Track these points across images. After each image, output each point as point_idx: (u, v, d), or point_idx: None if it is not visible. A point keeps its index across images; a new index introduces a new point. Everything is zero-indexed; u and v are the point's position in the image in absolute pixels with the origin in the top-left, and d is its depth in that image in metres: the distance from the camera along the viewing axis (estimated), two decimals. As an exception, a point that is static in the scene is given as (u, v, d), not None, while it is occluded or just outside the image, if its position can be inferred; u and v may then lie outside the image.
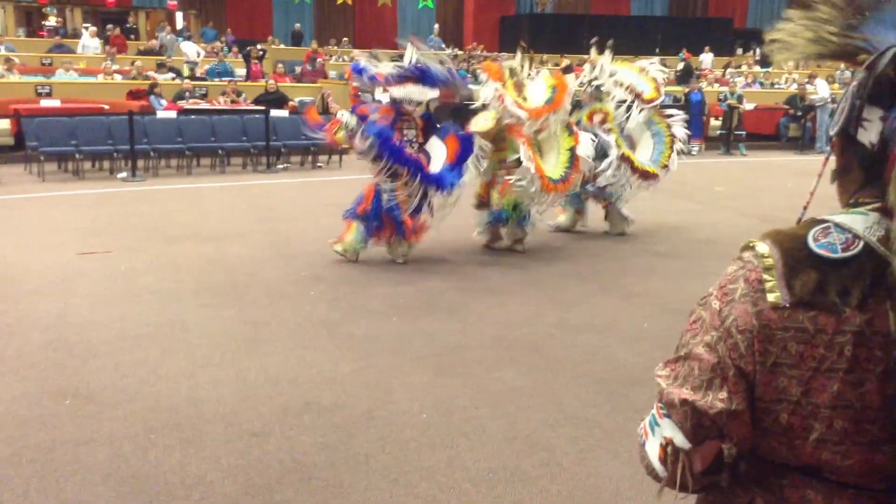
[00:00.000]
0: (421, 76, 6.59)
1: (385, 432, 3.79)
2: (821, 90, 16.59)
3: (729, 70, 22.18)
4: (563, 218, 8.35)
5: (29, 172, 11.43)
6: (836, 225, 1.16)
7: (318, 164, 12.95)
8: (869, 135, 1.16)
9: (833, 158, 1.26)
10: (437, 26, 25.57)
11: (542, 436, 3.79)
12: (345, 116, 6.58)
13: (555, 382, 4.42)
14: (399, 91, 6.59)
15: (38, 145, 11.09)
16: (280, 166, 12.65)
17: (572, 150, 7.22)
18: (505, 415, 4.00)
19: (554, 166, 7.14)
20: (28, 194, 9.89)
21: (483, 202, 7.43)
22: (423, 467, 3.48)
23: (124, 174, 11.34)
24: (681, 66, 22.01)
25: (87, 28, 20.28)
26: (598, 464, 3.54)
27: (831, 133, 1.24)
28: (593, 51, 8.68)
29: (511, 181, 6.91)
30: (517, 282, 6.42)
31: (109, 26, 21.02)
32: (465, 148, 6.82)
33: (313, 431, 3.78)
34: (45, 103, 12.65)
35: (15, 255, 6.88)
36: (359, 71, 6.68)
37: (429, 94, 6.66)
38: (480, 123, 6.89)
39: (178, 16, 25.34)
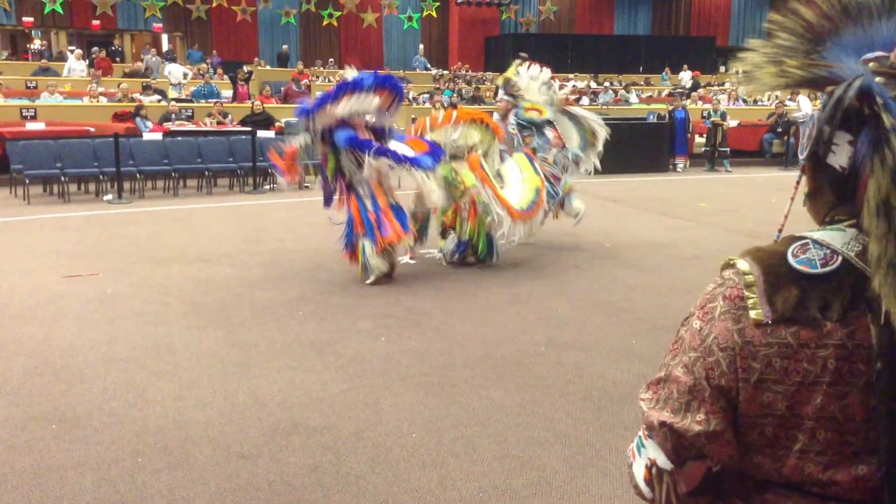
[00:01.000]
0: (355, 86, 6.57)
1: (374, 453, 3.78)
2: (804, 106, 16.78)
3: (711, 88, 22.41)
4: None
5: (14, 195, 11.38)
6: (815, 241, 1.18)
7: (305, 185, 12.91)
8: (839, 158, 1.18)
9: (804, 181, 1.28)
10: (421, 46, 25.76)
11: (532, 454, 3.79)
12: (298, 139, 6.67)
13: (543, 400, 4.43)
14: (343, 107, 6.54)
15: (22, 168, 11.05)
16: (267, 187, 12.65)
17: (538, 189, 7.49)
18: (494, 433, 4.00)
19: (520, 197, 7.33)
20: (13, 217, 9.84)
21: (446, 230, 7.55)
22: (413, 487, 3.47)
23: (110, 196, 11.31)
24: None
25: (72, 51, 20.28)
26: (588, 482, 3.54)
27: (801, 157, 1.26)
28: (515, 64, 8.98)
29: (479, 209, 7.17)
30: (503, 300, 6.43)
31: (95, 49, 21.05)
32: (432, 146, 7.02)
33: (302, 453, 3.76)
34: (31, 126, 12.61)
35: (-1, 278, 6.83)
36: (303, 112, 6.68)
37: (371, 99, 6.62)
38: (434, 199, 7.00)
39: (164, 38, 25.40)
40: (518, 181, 7.51)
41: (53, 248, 8.00)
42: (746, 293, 1.17)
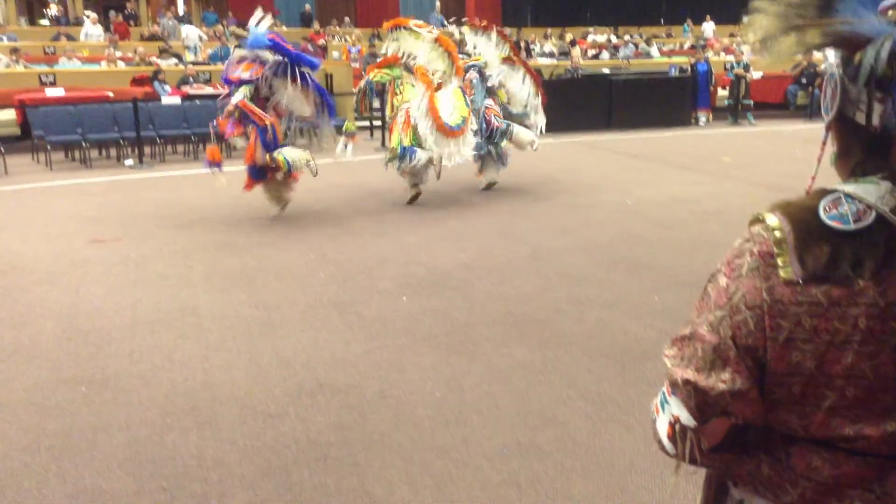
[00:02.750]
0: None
1: (398, 411, 3.82)
2: (830, 57, 16.39)
3: (735, 39, 21.95)
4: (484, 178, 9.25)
5: (36, 162, 11.46)
6: (847, 195, 1.14)
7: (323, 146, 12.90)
8: (870, 118, 1.14)
9: (831, 139, 1.24)
10: (438, 3, 25.39)
11: (555, 411, 3.81)
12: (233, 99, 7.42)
13: (565, 357, 4.44)
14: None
15: (44, 134, 11.11)
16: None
17: (465, 118, 8.01)
18: (517, 391, 4.02)
19: (449, 115, 7.87)
20: (36, 184, 9.92)
21: (392, 154, 8.24)
22: (437, 445, 3.51)
23: (131, 161, 11.36)
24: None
25: (88, 16, 20.22)
26: (611, 438, 3.56)
27: (827, 117, 1.22)
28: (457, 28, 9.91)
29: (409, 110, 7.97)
30: (523, 258, 6.42)
31: (112, 13, 20.97)
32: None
33: (327, 412, 3.81)
34: (50, 92, 12.64)
35: (24, 245, 6.91)
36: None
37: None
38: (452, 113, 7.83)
39: (179, 0, 25.23)
40: (449, 106, 7.98)
41: (77, 214, 8.06)
42: (776, 250, 1.14)
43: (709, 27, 23.79)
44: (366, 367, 4.34)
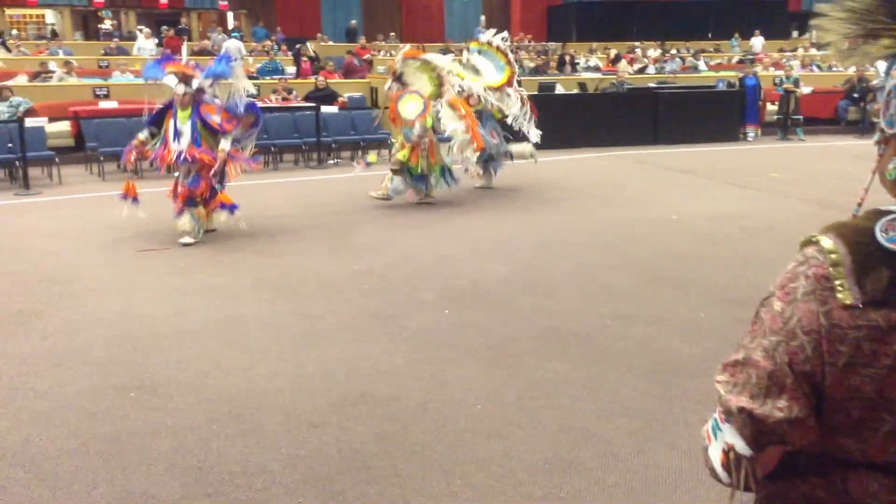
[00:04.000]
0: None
1: (440, 423, 3.82)
2: (880, 69, 16.07)
3: (785, 54, 21.66)
4: (481, 181, 10.15)
5: (89, 172, 11.76)
6: None
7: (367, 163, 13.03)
8: None
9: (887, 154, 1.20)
10: (483, 18, 25.51)
11: (598, 427, 3.78)
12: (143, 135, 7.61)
13: (608, 374, 4.40)
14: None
15: (97, 146, 11.40)
16: (331, 162, 12.79)
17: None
18: (559, 406, 4.00)
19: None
20: (88, 193, 10.17)
21: (399, 168, 8.84)
22: (478, 458, 3.50)
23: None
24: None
25: (141, 30, 20.73)
26: (655, 456, 3.52)
27: (888, 130, 1.18)
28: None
29: (453, 145, 8.84)
30: (565, 273, 6.39)
31: (164, 28, 21.48)
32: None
33: (369, 422, 3.83)
34: (103, 105, 12.98)
35: (78, 254, 7.09)
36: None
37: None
38: (409, 110, 8.65)
39: (229, 16, 25.74)
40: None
41: (128, 224, 8.23)
42: (832, 272, 1.12)
43: (758, 42, 23.50)
44: (408, 378, 4.36)
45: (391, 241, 7.47)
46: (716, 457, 1.22)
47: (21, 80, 14.45)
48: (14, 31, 22.51)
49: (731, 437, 1.18)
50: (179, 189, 7.39)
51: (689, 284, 6.05)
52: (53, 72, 14.96)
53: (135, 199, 7.63)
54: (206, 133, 7.38)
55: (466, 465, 3.44)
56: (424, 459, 3.49)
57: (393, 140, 9.51)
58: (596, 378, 4.34)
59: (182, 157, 7.26)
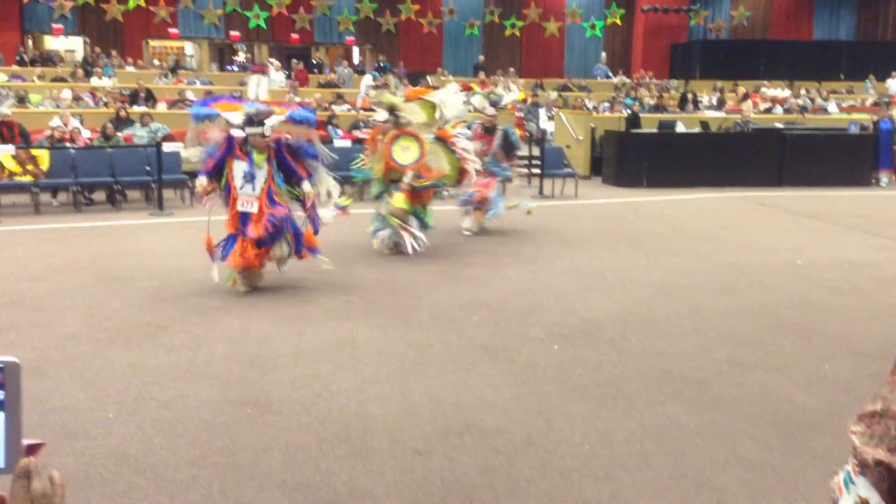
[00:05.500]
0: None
1: (545, 460, 3.77)
2: None
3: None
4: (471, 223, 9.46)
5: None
6: None
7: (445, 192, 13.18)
8: None
9: None
10: (604, 54, 25.41)
11: (711, 476, 3.63)
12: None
13: (724, 421, 4.23)
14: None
15: (227, 171, 11.97)
16: (444, 193, 12.94)
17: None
18: (670, 451, 3.88)
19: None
20: (217, 216, 10.64)
21: (403, 216, 8.14)
22: (583, 499, 3.43)
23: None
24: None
25: (272, 63, 21.75)
26: (771, 510, 3.35)
27: None
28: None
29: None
30: (681, 315, 6.21)
31: (294, 61, 22.47)
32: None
33: (474, 453, 3.82)
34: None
35: (203, 272, 7.41)
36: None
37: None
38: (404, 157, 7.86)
39: (355, 50, 26.67)
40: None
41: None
42: None
43: (894, 83, 22.36)
44: (514, 411, 4.33)
45: (502, 274, 7.48)
46: None
47: (161, 107, 15.41)
48: (156, 62, 24.08)
49: (866, 490, 1.13)
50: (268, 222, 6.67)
51: (814, 334, 5.76)
52: (192, 100, 15.86)
53: (216, 255, 6.83)
54: (279, 180, 6.74)
55: (571, 505, 3.37)
56: (529, 496, 3.45)
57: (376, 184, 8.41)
58: (710, 425, 4.18)
59: (246, 219, 6.66)
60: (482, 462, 3.74)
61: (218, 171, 6.84)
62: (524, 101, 9.85)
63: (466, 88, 9.35)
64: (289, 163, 6.78)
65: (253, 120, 6.71)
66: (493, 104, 9.50)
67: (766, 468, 3.71)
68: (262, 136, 6.69)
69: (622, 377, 4.88)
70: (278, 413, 4.27)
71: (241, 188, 6.72)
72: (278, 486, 3.50)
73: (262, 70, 16.73)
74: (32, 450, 1.11)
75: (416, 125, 8.08)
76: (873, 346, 5.27)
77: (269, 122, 6.73)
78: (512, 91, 9.74)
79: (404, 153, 7.76)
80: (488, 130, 9.39)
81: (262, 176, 6.68)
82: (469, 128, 9.33)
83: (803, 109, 18.43)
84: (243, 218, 6.69)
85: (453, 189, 8.55)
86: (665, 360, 5.18)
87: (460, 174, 8.40)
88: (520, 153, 9.95)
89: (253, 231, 6.60)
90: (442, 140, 8.33)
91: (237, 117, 6.80)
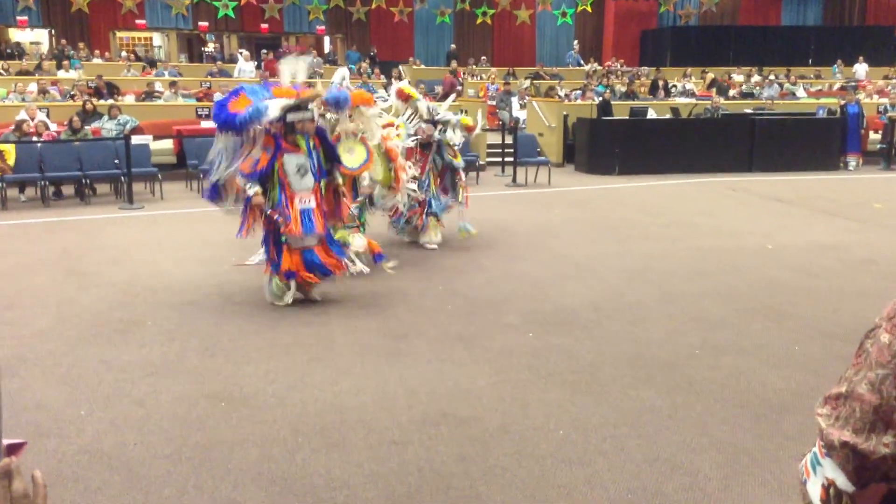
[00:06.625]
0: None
1: (521, 447, 3.79)
2: None
3: (890, 81, 20.80)
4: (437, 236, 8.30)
5: (189, 189, 12.24)
6: None
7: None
8: None
9: None
10: (576, 42, 25.45)
11: (684, 458, 3.68)
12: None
13: (697, 404, 4.28)
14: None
15: (197, 163, 11.86)
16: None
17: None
18: (644, 435, 3.92)
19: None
20: (188, 209, 10.59)
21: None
22: (559, 484, 3.46)
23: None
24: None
25: (241, 53, 21.54)
26: (744, 491, 3.40)
27: None
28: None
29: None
30: (655, 300, 6.27)
31: (263, 51, 22.26)
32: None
33: (450, 442, 3.83)
34: (205, 124, 13.52)
35: (176, 266, 7.38)
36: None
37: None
38: (352, 160, 6.62)
39: (326, 40, 26.48)
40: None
41: (224, 239, 8.51)
42: None
43: (861, 68, 22.64)
44: (489, 399, 4.35)
45: (477, 264, 7.49)
46: (815, 492, 1.18)
47: (129, 99, 15.21)
48: (123, 53, 23.74)
49: (833, 471, 1.14)
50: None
51: (784, 317, 5.84)
52: (161, 92, 15.68)
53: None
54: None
55: (548, 491, 3.40)
56: (505, 483, 3.47)
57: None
58: (683, 408, 4.23)
59: (308, 216, 5.94)
60: (458, 450, 3.75)
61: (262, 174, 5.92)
62: (469, 130, 8.45)
63: (404, 98, 8.35)
64: (331, 143, 6.20)
65: (298, 106, 5.91)
66: (432, 122, 8.20)
67: (738, 450, 3.76)
68: (312, 119, 6.00)
69: (596, 363, 4.92)
70: (253, 406, 4.25)
71: (296, 184, 5.93)
72: (254, 479, 3.49)
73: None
74: (13, 449, 1.09)
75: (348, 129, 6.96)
76: (842, 328, 5.35)
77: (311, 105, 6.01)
78: (454, 120, 8.35)
79: (350, 156, 6.79)
80: (424, 147, 8.29)
81: (312, 166, 6.00)
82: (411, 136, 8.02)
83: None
84: (305, 216, 5.93)
85: (385, 200, 7.47)
86: (638, 346, 5.22)
87: (394, 181, 7.41)
88: (458, 144, 8.49)
89: (320, 226, 5.98)
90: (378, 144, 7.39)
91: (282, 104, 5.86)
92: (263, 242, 6.20)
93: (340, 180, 6.25)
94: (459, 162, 8.47)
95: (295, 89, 6.05)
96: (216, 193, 6.19)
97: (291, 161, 5.91)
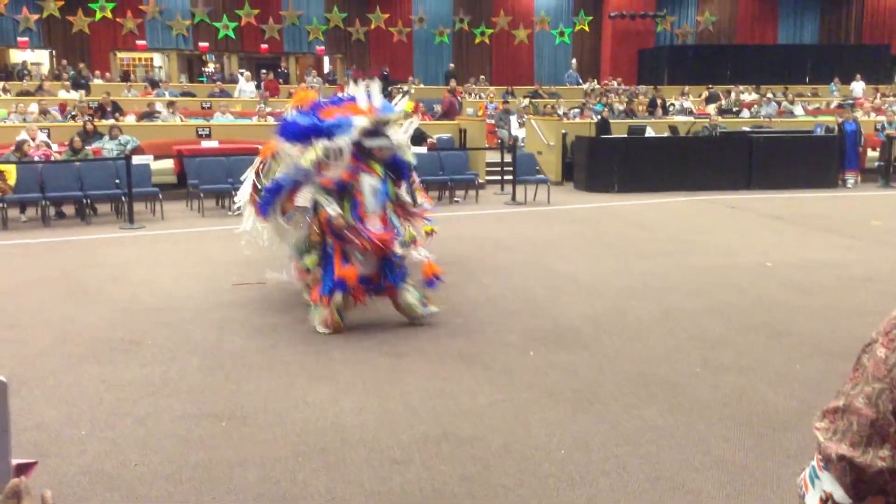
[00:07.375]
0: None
1: (523, 466, 3.79)
2: None
3: (887, 99, 20.91)
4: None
5: (190, 208, 12.27)
6: None
7: (456, 199, 13.20)
8: None
9: None
10: (574, 61, 25.62)
11: (686, 478, 3.67)
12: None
13: (698, 423, 4.28)
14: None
15: (198, 183, 11.90)
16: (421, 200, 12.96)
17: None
18: (646, 454, 3.91)
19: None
20: (189, 228, 10.61)
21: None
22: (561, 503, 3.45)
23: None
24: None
25: (242, 73, 21.66)
26: (745, 509, 3.39)
27: None
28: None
29: None
30: (655, 318, 6.27)
31: (263, 71, 22.39)
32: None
33: (452, 461, 3.83)
34: (205, 144, 13.58)
35: (177, 284, 7.39)
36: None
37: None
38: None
39: (325, 60, 26.64)
40: None
41: (225, 258, 8.54)
42: None
43: (858, 86, 22.79)
44: (491, 418, 4.34)
45: (476, 281, 7.50)
46: None
47: (130, 119, 15.28)
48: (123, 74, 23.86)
49: (830, 485, 1.15)
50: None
51: (784, 334, 5.85)
52: (160, 112, 15.75)
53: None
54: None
55: (549, 510, 3.39)
56: (507, 502, 3.46)
57: None
58: (684, 427, 4.23)
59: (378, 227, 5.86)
60: (460, 470, 3.75)
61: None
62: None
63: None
64: (398, 163, 6.11)
65: (375, 131, 5.86)
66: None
67: (739, 468, 3.75)
68: (390, 147, 5.93)
69: (597, 381, 4.92)
70: (254, 426, 4.25)
71: (370, 206, 5.83)
72: (255, 499, 3.48)
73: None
74: (23, 469, 1.10)
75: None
76: (841, 346, 5.35)
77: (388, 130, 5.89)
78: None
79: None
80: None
81: (384, 192, 5.95)
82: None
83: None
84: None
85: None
86: (639, 364, 5.23)
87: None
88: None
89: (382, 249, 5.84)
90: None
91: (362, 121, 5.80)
92: (324, 267, 5.99)
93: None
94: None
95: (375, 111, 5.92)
96: (268, 207, 6.15)
97: (368, 183, 5.84)
